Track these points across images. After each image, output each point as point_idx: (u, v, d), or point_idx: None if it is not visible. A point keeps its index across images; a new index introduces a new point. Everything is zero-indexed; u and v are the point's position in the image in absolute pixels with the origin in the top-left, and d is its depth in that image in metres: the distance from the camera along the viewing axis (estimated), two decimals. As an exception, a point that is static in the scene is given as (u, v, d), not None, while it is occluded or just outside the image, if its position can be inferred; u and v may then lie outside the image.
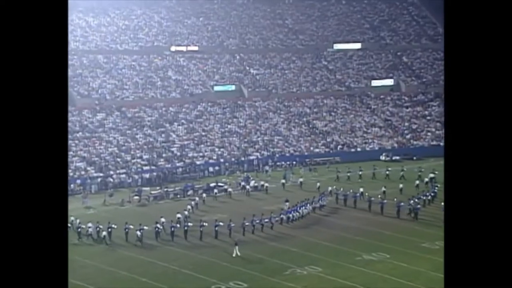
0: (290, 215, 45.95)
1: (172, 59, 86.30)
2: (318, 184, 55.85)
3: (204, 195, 53.10)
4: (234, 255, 37.01)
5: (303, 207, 47.46)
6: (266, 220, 43.78)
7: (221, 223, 41.85)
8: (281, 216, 45.55)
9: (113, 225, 41.23)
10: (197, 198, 51.66)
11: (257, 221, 43.15)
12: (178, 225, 41.80)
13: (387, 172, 60.70)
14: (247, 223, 42.54)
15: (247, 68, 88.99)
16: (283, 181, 58.76)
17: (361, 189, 52.30)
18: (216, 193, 54.39)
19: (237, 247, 37.41)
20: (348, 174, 61.34)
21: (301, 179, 59.12)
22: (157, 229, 41.14)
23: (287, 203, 48.18)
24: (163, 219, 43.20)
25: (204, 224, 41.58)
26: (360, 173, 61.42)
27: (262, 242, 40.96)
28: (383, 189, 52.86)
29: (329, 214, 48.74)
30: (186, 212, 45.88)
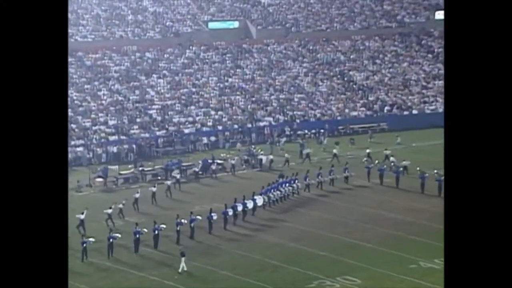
0: (271, 195, 47.34)
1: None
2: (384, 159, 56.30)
3: (178, 175, 53.47)
4: (180, 270, 36.30)
5: (287, 184, 49.00)
6: (248, 202, 44.82)
7: (198, 217, 42.02)
8: (262, 195, 46.64)
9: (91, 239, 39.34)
10: (168, 182, 51.54)
11: (239, 206, 44.11)
12: (145, 230, 39.91)
13: None
14: (230, 212, 43.44)
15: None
16: (306, 153, 59.97)
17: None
18: (199, 173, 55.64)
19: (183, 259, 36.48)
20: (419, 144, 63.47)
21: (335, 152, 59.74)
22: (111, 240, 38.93)
23: (280, 180, 49.45)
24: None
25: (182, 221, 41.15)
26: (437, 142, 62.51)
27: (274, 241, 41.38)
28: None
29: (360, 200, 49.33)
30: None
